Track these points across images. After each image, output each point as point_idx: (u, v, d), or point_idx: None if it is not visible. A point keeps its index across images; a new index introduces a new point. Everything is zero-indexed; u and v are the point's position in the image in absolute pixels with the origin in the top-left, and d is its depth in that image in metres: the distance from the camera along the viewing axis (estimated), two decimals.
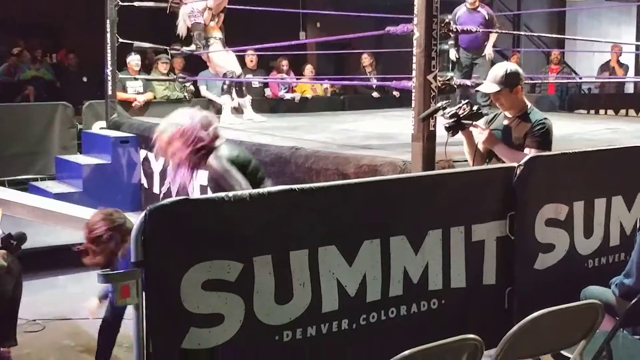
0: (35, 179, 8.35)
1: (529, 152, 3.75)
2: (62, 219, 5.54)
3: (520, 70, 4.06)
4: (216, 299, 2.52)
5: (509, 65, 4.06)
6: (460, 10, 8.37)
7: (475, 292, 3.22)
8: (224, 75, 7.97)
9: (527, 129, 3.93)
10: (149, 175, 7.23)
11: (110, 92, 8.27)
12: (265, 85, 10.35)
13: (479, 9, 8.36)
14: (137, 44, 8.63)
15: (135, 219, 5.62)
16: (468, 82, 5.54)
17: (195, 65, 9.47)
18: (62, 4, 13.69)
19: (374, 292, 2.90)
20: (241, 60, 9.21)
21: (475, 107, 3.96)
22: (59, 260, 5.42)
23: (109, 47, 8.15)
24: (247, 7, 8.15)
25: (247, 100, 8.27)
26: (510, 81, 3.92)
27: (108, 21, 8.15)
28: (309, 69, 10.98)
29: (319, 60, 13.38)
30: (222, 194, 2.57)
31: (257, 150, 5.36)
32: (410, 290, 2.99)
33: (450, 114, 3.93)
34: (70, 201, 6.32)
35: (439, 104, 4.07)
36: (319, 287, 2.75)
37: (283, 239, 2.69)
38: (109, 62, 8.18)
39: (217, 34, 7.95)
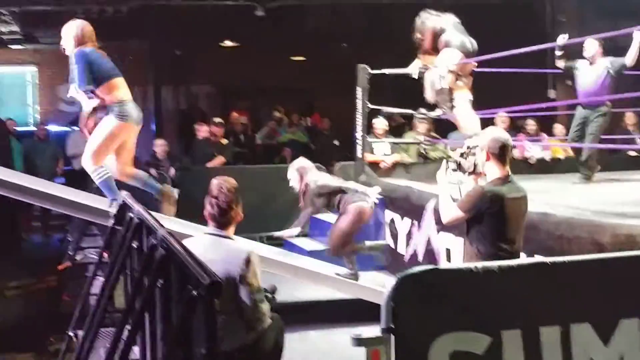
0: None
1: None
2: (313, 276, 5.82)
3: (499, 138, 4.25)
4: None
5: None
6: None
7: None
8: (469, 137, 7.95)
9: None
10: (394, 236, 7.40)
11: (360, 155, 8.64)
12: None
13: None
14: (385, 109, 8.95)
15: (382, 278, 5.76)
16: None
17: (444, 127, 9.59)
18: (315, 70, 14.77)
19: None
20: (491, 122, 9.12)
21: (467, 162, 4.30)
22: (311, 315, 5.71)
23: (359, 113, 8.54)
24: (494, 70, 8.15)
25: None
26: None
27: (359, 88, 8.54)
28: (559, 128, 10.59)
29: (570, 119, 12.80)
30: (470, 265, 2.58)
31: None
32: None
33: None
34: (320, 258, 6.61)
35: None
36: None
37: (533, 313, 2.62)
38: (360, 127, 8.56)
39: (465, 94, 7.90)
